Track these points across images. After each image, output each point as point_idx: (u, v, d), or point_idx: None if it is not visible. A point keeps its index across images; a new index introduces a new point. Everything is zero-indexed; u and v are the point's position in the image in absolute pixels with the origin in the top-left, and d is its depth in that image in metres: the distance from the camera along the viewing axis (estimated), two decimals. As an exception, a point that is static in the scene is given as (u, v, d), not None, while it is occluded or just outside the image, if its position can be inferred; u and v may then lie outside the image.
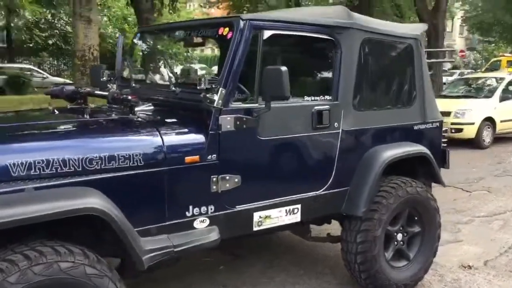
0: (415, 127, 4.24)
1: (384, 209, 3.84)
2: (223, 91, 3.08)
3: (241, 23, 3.16)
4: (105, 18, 28.11)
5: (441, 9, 17.49)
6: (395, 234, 4.03)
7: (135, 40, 4.23)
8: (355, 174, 3.84)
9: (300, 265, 4.60)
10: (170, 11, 17.44)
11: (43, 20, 27.53)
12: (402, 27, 4.30)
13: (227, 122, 3.11)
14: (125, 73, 4.16)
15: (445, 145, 4.65)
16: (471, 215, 6.32)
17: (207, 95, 3.06)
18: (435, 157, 4.38)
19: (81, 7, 9.20)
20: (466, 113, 11.66)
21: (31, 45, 27.42)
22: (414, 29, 4.28)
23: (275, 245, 5.09)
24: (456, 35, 49.31)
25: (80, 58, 9.33)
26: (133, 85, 3.84)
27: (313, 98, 3.60)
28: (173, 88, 3.40)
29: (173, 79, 3.67)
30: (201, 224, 3.09)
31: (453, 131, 11.63)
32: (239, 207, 3.25)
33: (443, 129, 4.60)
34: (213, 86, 3.09)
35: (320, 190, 3.66)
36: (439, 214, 4.24)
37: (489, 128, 11.87)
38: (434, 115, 4.41)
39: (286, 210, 3.49)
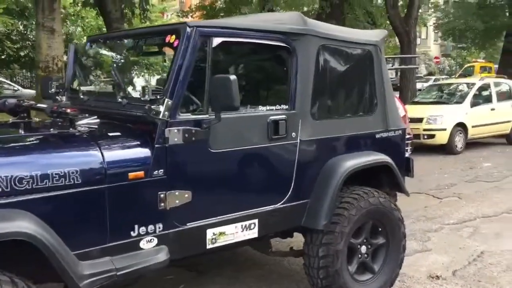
0: (377, 136, 4.13)
1: (346, 221, 3.71)
2: (169, 102, 2.92)
3: (188, 30, 3.01)
4: (79, 29, 27.71)
5: (413, 16, 17.59)
6: (359, 246, 3.90)
7: (86, 49, 4.06)
8: (315, 186, 3.71)
9: (266, 281, 4.43)
10: (142, 20, 17.21)
11: (15, 31, 27.03)
12: (361, 33, 4.19)
13: (174, 135, 2.95)
14: (75, 84, 3.97)
15: (409, 153, 4.55)
16: (441, 222, 6.24)
17: (152, 106, 2.89)
18: (398, 165, 4.27)
19: (44, 17, 8.94)
20: (438, 119, 11.66)
21: (2, 57, 26.89)
22: (374, 35, 4.18)
23: (241, 259, 4.92)
24: (431, 42, 49.98)
25: (43, 69, 9.06)
26: (81, 96, 3.66)
27: (268, 107, 3.47)
28: (120, 100, 3.22)
29: (121, 90, 3.49)
30: (148, 244, 2.92)
31: (425, 137, 11.65)
32: (190, 225, 3.09)
33: (407, 137, 4.50)
34: (158, 97, 2.93)
35: (279, 204, 3.52)
36: (403, 224, 4.13)
37: (461, 133, 11.89)
38: (397, 123, 4.31)
39: (242, 226, 3.33)
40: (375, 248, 4.01)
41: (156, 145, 2.91)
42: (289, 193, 3.56)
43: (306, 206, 3.68)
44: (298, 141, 3.57)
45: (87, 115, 3.05)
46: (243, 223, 3.33)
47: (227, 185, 3.25)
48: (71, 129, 3.01)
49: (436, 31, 29.07)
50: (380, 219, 3.97)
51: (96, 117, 3.16)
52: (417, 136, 11.52)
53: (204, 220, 3.14)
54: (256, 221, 3.40)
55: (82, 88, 3.81)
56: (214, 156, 3.15)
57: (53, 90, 3.78)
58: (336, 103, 3.85)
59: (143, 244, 2.90)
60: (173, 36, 3.08)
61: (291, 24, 3.54)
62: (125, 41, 3.78)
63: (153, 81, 4.52)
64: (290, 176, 3.56)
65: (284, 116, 3.47)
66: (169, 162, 2.96)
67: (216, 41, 3.12)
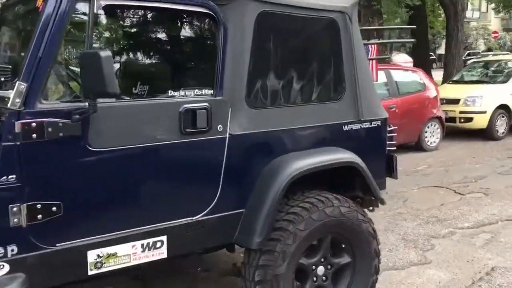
0: (345, 128, 3.28)
1: (291, 238, 2.91)
2: (22, 86, 2.21)
3: None
4: None
5: (461, -14, 16.09)
6: (314, 267, 3.11)
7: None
8: (253, 192, 2.92)
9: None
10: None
11: None
12: None
13: (31, 130, 2.24)
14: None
15: (393, 148, 3.66)
16: (454, 225, 5.29)
17: None
18: (376, 165, 3.42)
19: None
20: (477, 101, 10.45)
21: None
22: (342, 0, 3.28)
23: (193, 266, 4.20)
24: (491, 16, 46.88)
25: None
26: None
27: (182, 93, 2.70)
28: None
29: None
30: (-5, 271, 2.25)
31: (462, 120, 10.50)
32: (61, 245, 2.39)
33: (389, 128, 3.61)
34: (4, 79, 2.22)
35: (198, 216, 2.77)
36: (376, 239, 3.29)
37: (503, 117, 10.63)
38: (374, 112, 3.43)
39: (143, 245, 2.61)
40: (337, 268, 3.20)
41: (3, 143, 2.21)
42: (214, 202, 2.80)
43: (240, 218, 2.92)
44: (227, 136, 2.79)
45: None
46: (144, 241, 2.61)
47: (119, 193, 2.53)
48: None
49: (489, 1, 26.81)
50: (342, 233, 3.16)
51: None
52: (452, 119, 10.42)
53: (82, 239, 2.44)
54: (164, 238, 2.67)
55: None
56: (97, 156, 2.42)
57: None
58: (284, 87, 3.02)
59: (-13, 272, 2.23)
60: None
61: None
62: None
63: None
64: (215, 181, 2.80)
65: (205, 105, 2.70)
66: (25, 166, 2.26)
67: (100, 4, 2.36)
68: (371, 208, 3.74)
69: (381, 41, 4.30)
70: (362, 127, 3.35)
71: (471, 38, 44.35)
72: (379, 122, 3.43)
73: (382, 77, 8.90)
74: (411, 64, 22.36)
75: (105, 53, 2.16)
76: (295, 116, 3.06)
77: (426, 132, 9.38)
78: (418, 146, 9.38)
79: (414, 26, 5.14)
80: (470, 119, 10.43)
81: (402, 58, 33.46)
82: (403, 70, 9.69)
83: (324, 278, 3.15)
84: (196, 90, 2.73)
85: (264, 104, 2.95)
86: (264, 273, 2.88)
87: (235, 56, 2.80)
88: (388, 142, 3.58)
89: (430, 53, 34.05)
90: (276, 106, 2.99)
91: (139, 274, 3.94)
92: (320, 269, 3.13)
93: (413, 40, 4.32)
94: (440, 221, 5.42)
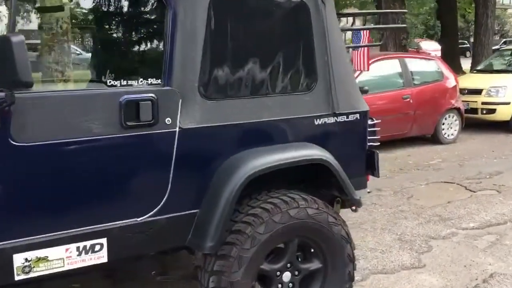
0: (317, 121, 2.99)
1: (249, 242, 2.66)
2: None
3: None
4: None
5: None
6: (278, 274, 2.85)
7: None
8: (208, 192, 2.68)
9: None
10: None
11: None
12: None
13: None
14: None
15: (376, 144, 3.35)
16: (457, 225, 4.93)
17: None
18: (353, 162, 3.13)
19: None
20: (500, 91, 9.90)
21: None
22: None
23: (170, 261, 3.98)
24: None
25: None
26: None
27: (124, 82, 2.46)
28: None
29: None
30: None
31: (484, 111, 9.98)
32: None
33: (371, 122, 3.30)
34: None
35: (144, 217, 2.54)
36: (350, 243, 3.01)
37: (528, 109, 10.05)
38: (352, 104, 3.12)
39: (78, 248, 2.40)
40: (306, 275, 2.94)
41: None
42: (163, 202, 2.57)
43: (193, 219, 2.68)
44: (177, 129, 2.55)
45: None
46: (81, 244, 2.40)
47: (48, 191, 2.32)
48: None
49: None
50: (311, 237, 2.89)
51: None
52: (474, 110, 9.92)
53: (7, 242, 2.24)
54: (103, 240, 2.45)
55: None
56: (21, 151, 2.22)
57: None
58: (244, 76, 2.75)
59: None
60: None
61: None
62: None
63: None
64: (163, 179, 2.56)
65: (150, 95, 2.46)
66: None
67: None
68: (353, 208, 3.45)
69: (371, 26, 3.95)
70: (338, 120, 3.05)
71: (507, 26, 42.80)
72: (357, 116, 3.12)
73: (396, 66, 8.53)
74: (439, 53, 21.69)
75: (17, 38, 1.95)
76: (258, 108, 2.79)
77: (443, 124, 8.93)
78: (434, 139, 8.95)
79: (406, 10, 4.75)
80: (492, 111, 9.90)
81: (432, 46, 32.73)
82: (419, 59, 9.24)
83: (290, 285, 2.90)
84: (141, 79, 2.49)
85: (221, 95, 2.69)
86: (218, 280, 2.65)
87: (186, 42, 2.55)
88: (369, 138, 3.26)
89: (464, 41, 33.03)
90: (235, 97, 2.73)
91: (110, 272, 3.76)
92: (286, 276, 2.88)
93: (404, 25, 3.96)
94: (443, 220, 5.07)
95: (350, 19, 17.12)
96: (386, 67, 8.49)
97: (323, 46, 2.95)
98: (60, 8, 3.10)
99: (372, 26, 4.06)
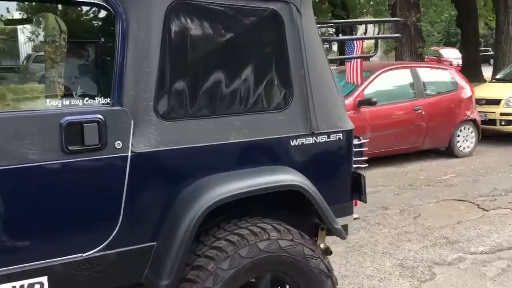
0: (293, 142, 2.69)
1: (211, 280, 2.37)
2: None
3: None
4: None
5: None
6: (248, 312, 2.56)
7: None
8: (166, 223, 2.41)
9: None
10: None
11: None
12: None
13: None
14: None
15: (363, 166, 3.04)
16: (466, 249, 4.56)
17: None
18: (335, 186, 2.83)
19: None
20: (521, 101, 9.45)
21: None
22: None
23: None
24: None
25: None
26: None
27: (66, 102, 2.21)
28: None
29: None
30: None
31: (503, 123, 9.52)
32: None
33: (357, 141, 2.99)
34: None
35: (90, 251, 2.27)
36: (331, 278, 2.69)
37: (551, 120, 9.57)
38: (334, 123, 2.81)
39: (14, 288, 2.14)
40: (281, 313, 2.64)
41: None
42: (113, 234, 2.30)
43: (150, 253, 2.41)
44: (129, 154, 2.28)
45: None
46: (17, 284, 2.14)
47: None
48: None
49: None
50: (286, 271, 2.59)
51: None
52: (492, 121, 9.49)
53: None
54: (44, 279, 2.19)
55: None
56: None
57: None
58: (207, 94, 2.48)
59: None
60: None
61: None
62: None
63: None
64: (113, 209, 2.30)
65: (96, 116, 2.20)
66: None
67: None
68: (344, 236, 3.13)
69: (364, 36, 3.69)
70: (317, 141, 2.75)
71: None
72: (340, 135, 2.82)
73: (407, 76, 8.18)
74: (460, 61, 21.10)
75: None
76: (224, 129, 2.51)
77: (458, 136, 8.51)
78: (449, 152, 8.53)
79: (400, 19, 4.44)
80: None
81: (453, 54, 31.97)
82: (432, 69, 8.85)
83: (263, 325, 2.60)
84: (86, 98, 2.24)
85: (180, 115, 2.42)
86: (176, 322, 2.36)
87: (139, 56, 2.29)
88: (355, 159, 2.95)
89: (487, 48, 32.21)
90: (197, 117, 2.45)
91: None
92: (257, 314, 2.58)
93: (398, 35, 3.68)
94: (450, 244, 4.70)
95: (362, 27, 16.75)
96: (396, 77, 8.16)
97: (299, 60, 2.66)
98: None
99: (364, 36, 3.78)
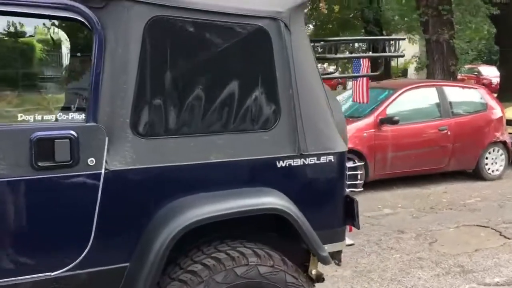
0: (280, 164, 2.58)
1: (183, 305, 2.28)
2: None
3: None
4: None
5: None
6: None
7: None
8: (140, 244, 2.33)
9: None
10: None
11: None
12: None
13: None
14: None
15: (358, 190, 2.90)
16: (480, 280, 4.32)
17: None
18: (325, 211, 2.70)
19: None
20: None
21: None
22: (276, 2, 2.59)
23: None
24: None
25: None
26: None
27: (39, 117, 2.17)
28: None
29: None
30: None
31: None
32: None
33: (352, 164, 2.85)
34: None
35: (60, 270, 2.21)
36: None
37: None
38: (325, 144, 2.68)
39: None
40: None
41: None
42: (84, 254, 2.24)
43: (123, 274, 2.33)
44: (103, 171, 2.22)
45: None
46: None
47: None
48: None
49: None
50: (265, 299, 2.46)
51: None
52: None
53: None
54: None
55: None
56: None
57: None
58: (188, 112, 2.40)
59: None
60: None
61: None
62: None
63: None
64: (85, 228, 2.24)
65: (69, 132, 2.15)
66: None
67: None
68: (337, 262, 2.99)
69: (368, 54, 3.54)
70: (306, 163, 2.63)
71: None
72: (331, 157, 2.69)
73: (432, 95, 7.93)
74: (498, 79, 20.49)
75: None
76: (204, 148, 2.43)
77: (486, 158, 8.18)
78: (477, 174, 8.20)
79: (404, 38, 4.26)
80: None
81: (493, 72, 31.04)
82: (459, 88, 8.56)
83: None
84: (60, 114, 2.20)
85: (158, 133, 2.35)
86: None
87: (116, 72, 2.24)
88: (349, 183, 2.82)
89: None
90: (176, 135, 2.38)
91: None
92: None
93: (402, 55, 3.52)
94: (464, 273, 4.46)
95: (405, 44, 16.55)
96: (421, 96, 7.93)
97: (287, 78, 2.56)
98: None
99: (368, 54, 3.65)
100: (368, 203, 6.74)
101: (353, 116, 7.46)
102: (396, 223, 5.93)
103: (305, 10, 2.67)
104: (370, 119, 7.25)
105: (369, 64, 4.15)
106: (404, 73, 27.34)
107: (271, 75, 2.54)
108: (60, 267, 2.21)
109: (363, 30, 18.12)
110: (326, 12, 18.93)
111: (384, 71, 17.43)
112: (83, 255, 2.24)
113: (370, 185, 7.28)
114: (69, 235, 2.23)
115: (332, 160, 2.70)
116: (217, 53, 2.46)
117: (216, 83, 2.46)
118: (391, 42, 7.64)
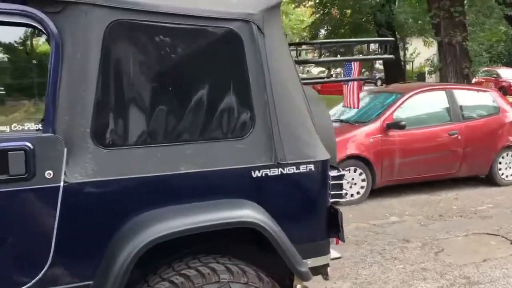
0: (255, 174, 2.43)
1: (148, 327, 2.14)
2: None
3: None
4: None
5: None
6: None
7: None
8: (103, 260, 2.20)
9: None
10: None
11: None
12: (221, 0, 2.47)
13: None
14: None
15: (341, 200, 2.73)
16: (486, 293, 4.10)
17: None
18: (306, 223, 2.55)
19: None
20: None
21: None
22: (248, 4, 2.44)
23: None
24: None
25: None
26: None
27: (-9, 128, 2.06)
28: None
29: None
30: None
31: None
32: None
33: (336, 173, 2.69)
34: None
35: (15, 289, 2.09)
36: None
37: None
38: (304, 152, 2.53)
39: None
40: None
41: None
42: (43, 271, 2.13)
43: (85, 292, 2.21)
44: (62, 184, 2.11)
45: None
46: None
47: None
48: None
49: None
50: (241, 320, 2.31)
51: None
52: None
53: None
54: None
55: None
56: None
57: None
58: (154, 120, 2.27)
59: None
60: None
61: None
62: None
63: None
64: (42, 244, 2.13)
65: (23, 144, 2.04)
66: None
67: None
68: (324, 276, 2.83)
69: (359, 57, 3.38)
70: (284, 172, 2.48)
71: None
72: (311, 166, 2.53)
73: (442, 98, 7.70)
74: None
75: None
76: (173, 158, 2.30)
77: (500, 163, 7.90)
78: (490, 180, 7.93)
79: (392, 39, 4.07)
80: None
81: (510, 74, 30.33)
82: (471, 91, 8.30)
83: None
84: (15, 124, 2.09)
85: (122, 143, 2.23)
86: None
87: (75, 80, 2.12)
88: (332, 193, 2.66)
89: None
90: (141, 145, 2.25)
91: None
92: None
93: (391, 56, 3.33)
94: (470, 284, 4.25)
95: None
96: (429, 99, 7.70)
97: (261, 83, 2.41)
98: None
99: (359, 57, 3.49)
100: (375, 211, 6.54)
101: (359, 121, 7.28)
102: (402, 231, 5.72)
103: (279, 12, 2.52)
104: (376, 124, 7.05)
105: (361, 68, 3.98)
106: (420, 76, 26.94)
107: (244, 80, 2.40)
108: (17, 286, 2.09)
109: (376, 34, 17.88)
110: (338, 16, 18.70)
111: (398, 75, 17.19)
112: (42, 272, 2.13)
113: (377, 192, 7.08)
114: (26, 252, 2.12)
115: (313, 169, 2.54)
116: (185, 58, 2.34)
117: (184, 90, 2.34)
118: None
